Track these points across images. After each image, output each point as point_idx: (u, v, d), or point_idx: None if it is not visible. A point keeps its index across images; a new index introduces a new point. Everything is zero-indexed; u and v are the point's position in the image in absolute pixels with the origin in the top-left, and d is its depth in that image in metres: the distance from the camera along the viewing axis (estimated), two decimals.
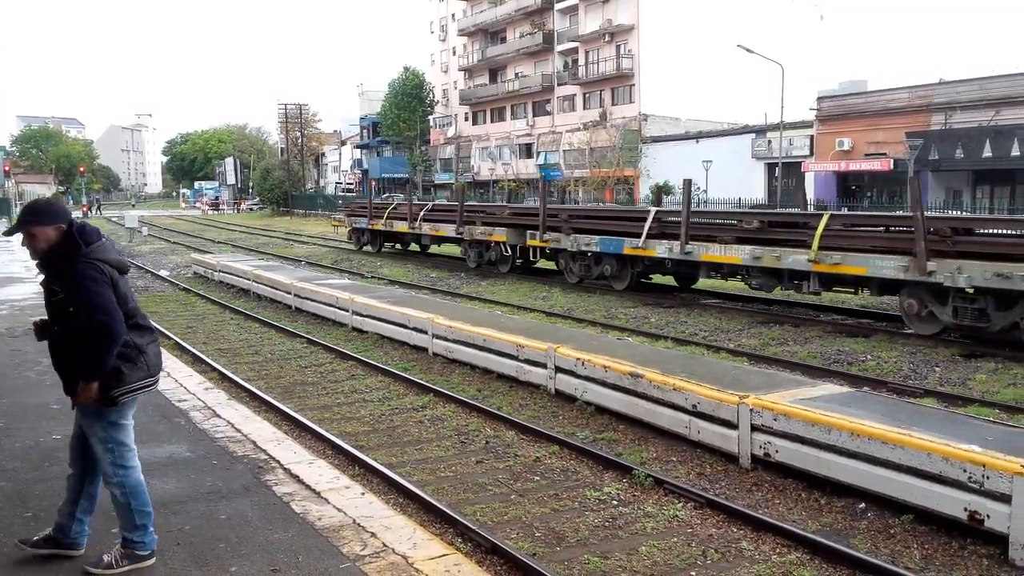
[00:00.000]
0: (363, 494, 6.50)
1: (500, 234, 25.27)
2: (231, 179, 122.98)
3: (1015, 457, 6.45)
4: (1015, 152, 34.09)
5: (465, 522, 6.97)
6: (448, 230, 28.14)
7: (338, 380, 12.70)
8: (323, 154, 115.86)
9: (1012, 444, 6.87)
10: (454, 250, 30.91)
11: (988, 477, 6.43)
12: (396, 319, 15.20)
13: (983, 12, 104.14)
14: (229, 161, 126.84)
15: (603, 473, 8.41)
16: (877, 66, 70.72)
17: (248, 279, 22.88)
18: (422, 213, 30.08)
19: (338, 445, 9.16)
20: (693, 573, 6.28)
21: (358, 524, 5.80)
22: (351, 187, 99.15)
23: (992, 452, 6.60)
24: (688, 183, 19.84)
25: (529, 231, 24.02)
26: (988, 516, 6.41)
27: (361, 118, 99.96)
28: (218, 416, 8.65)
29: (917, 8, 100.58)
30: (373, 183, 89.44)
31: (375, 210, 34.22)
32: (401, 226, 31.38)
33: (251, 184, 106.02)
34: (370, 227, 34.09)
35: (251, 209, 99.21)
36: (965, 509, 6.56)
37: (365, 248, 35.52)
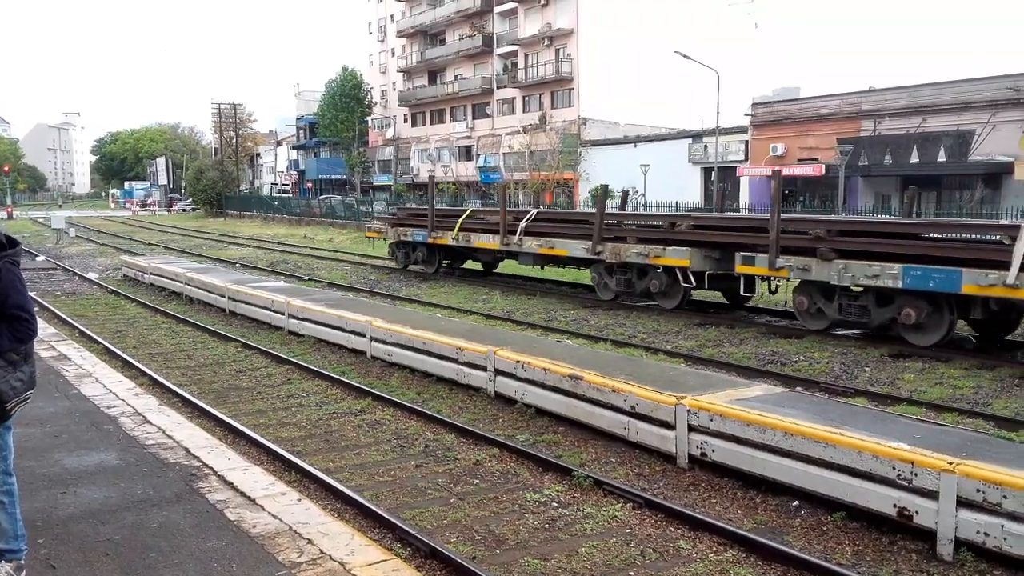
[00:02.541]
0: (299, 500, 6.39)
1: (676, 256, 17.77)
2: (163, 179, 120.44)
3: (942, 454, 6.65)
4: (941, 158, 35.25)
5: (404, 527, 6.90)
6: (572, 248, 20.62)
7: (274, 385, 12.49)
8: (258, 154, 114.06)
9: (939, 442, 7.08)
10: (568, 275, 24.56)
11: (916, 474, 6.61)
12: (334, 322, 15.02)
13: (912, 22, 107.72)
14: (161, 161, 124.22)
15: (543, 475, 8.42)
16: (810, 73, 72.71)
17: (181, 282, 22.38)
18: (523, 224, 22.30)
19: (274, 451, 9.00)
20: (632, 573, 6.32)
21: (294, 531, 5.70)
22: (287, 188, 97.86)
23: (920, 450, 6.79)
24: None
25: (742, 253, 16.74)
26: (917, 512, 6.59)
27: (298, 118, 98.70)
28: (149, 422, 8.43)
29: (849, 18, 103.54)
30: (310, 184, 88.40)
31: (440, 219, 25.95)
32: (486, 241, 23.58)
33: (183, 184, 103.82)
34: (431, 241, 25.70)
35: (184, 210, 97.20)
36: (895, 506, 6.73)
37: (415, 267, 27.56)
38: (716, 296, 19.61)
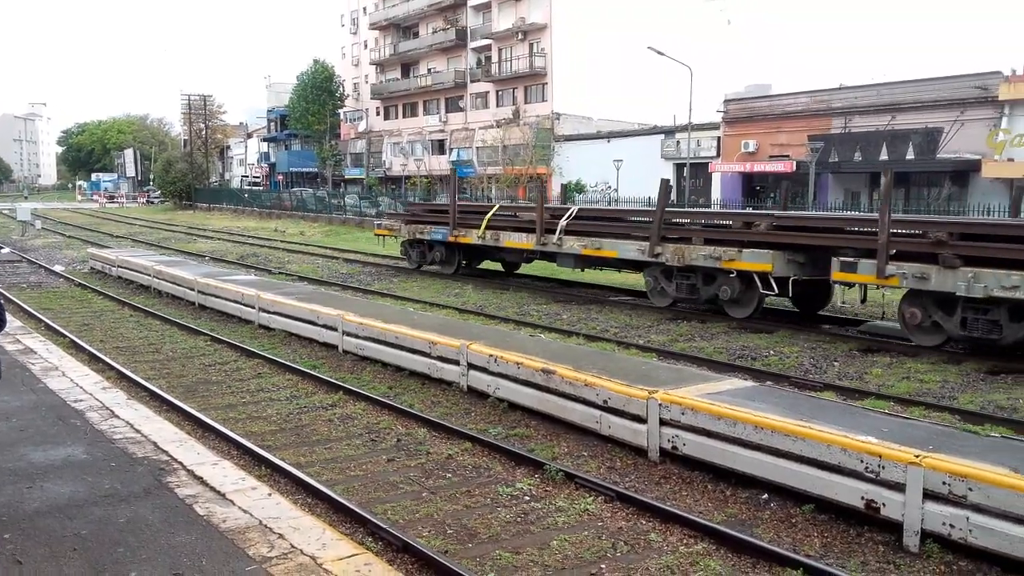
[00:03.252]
0: (270, 495, 6.35)
1: (755, 259, 15.79)
2: (131, 171, 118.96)
3: (909, 448, 6.74)
4: (909, 155, 35.68)
5: (376, 521, 6.88)
6: (624, 249, 18.44)
7: (244, 379, 12.39)
8: (228, 147, 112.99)
9: (906, 435, 7.18)
10: (609, 277, 22.97)
11: (884, 467, 6.69)
12: (305, 316, 14.92)
13: (885, 18, 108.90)
14: (129, 152, 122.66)
15: (515, 469, 8.43)
16: (782, 70, 73.16)
17: (149, 275, 22.12)
18: (564, 222, 20.12)
19: (244, 445, 8.93)
20: (603, 566, 6.35)
21: (265, 525, 5.66)
22: (258, 181, 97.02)
23: (887, 443, 6.88)
24: None
25: (840, 258, 14.67)
26: (884, 504, 6.68)
27: (268, 111, 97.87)
28: (116, 417, 8.33)
29: (822, 14, 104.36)
30: (281, 177, 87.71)
31: (463, 216, 23.81)
32: (517, 240, 21.47)
33: (152, 176, 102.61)
34: (453, 239, 23.53)
35: (152, 202, 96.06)
36: (862, 498, 6.82)
37: (431, 267, 25.66)
38: (783, 303, 17.76)
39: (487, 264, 25.28)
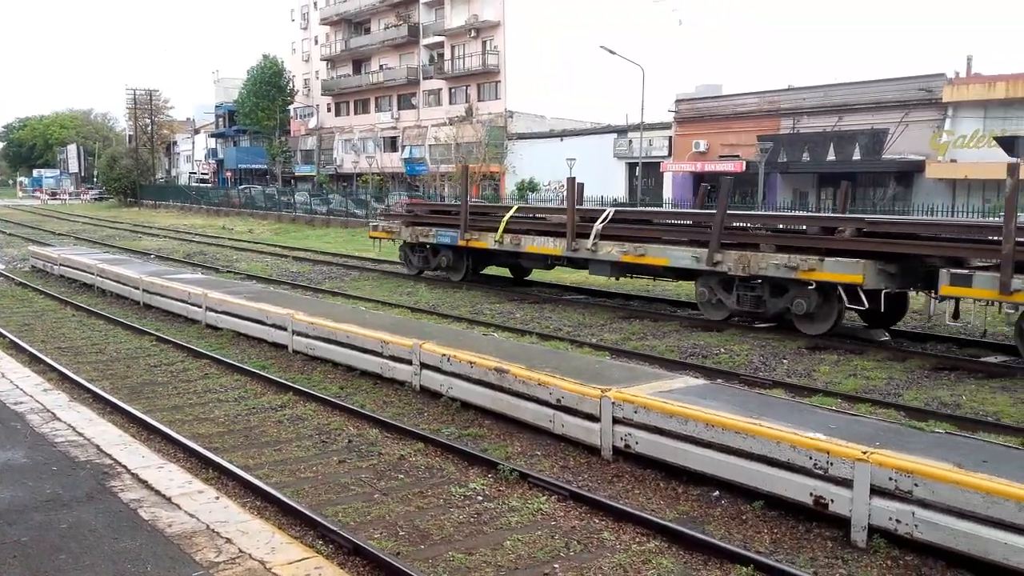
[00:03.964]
0: (217, 498, 6.22)
1: (841, 270, 13.87)
2: (74, 167, 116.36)
3: (856, 444, 6.85)
4: (856, 156, 36.40)
5: (326, 523, 6.79)
6: (675, 256, 16.50)
7: (190, 380, 12.17)
8: (175, 143, 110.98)
9: (853, 432, 7.30)
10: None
11: (832, 463, 6.79)
12: (254, 315, 14.70)
13: (831, 22, 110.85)
14: (72, 148, 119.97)
15: (468, 469, 8.39)
16: (732, 71, 74.05)
17: (93, 273, 21.61)
18: (599, 226, 18.00)
19: (190, 448, 8.77)
20: (556, 565, 6.34)
21: (212, 530, 5.54)
22: (206, 177, 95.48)
23: (835, 440, 6.98)
24: None
25: (953, 270, 12.86)
26: (832, 500, 6.77)
27: (217, 106, 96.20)
28: (58, 419, 8.10)
29: (770, 17, 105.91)
30: (229, 174, 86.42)
31: (476, 218, 21.71)
32: (542, 245, 19.42)
33: (96, 173, 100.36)
34: (465, 243, 21.35)
35: (96, 199, 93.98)
36: (811, 494, 6.91)
37: (433, 273, 23.46)
38: (851, 317, 15.75)
39: (491, 270, 23.31)
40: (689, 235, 16.96)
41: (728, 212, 16.46)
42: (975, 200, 31.64)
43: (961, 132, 34.12)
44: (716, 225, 15.82)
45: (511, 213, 20.85)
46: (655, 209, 23.13)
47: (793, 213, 22.41)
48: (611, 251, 17.74)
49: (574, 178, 19.92)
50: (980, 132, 33.30)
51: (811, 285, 14.36)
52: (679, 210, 23.93)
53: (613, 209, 19.03)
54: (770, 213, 23.75)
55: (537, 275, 22.69)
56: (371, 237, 25.59)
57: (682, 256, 16.38)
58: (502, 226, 20.33)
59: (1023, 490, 5.86)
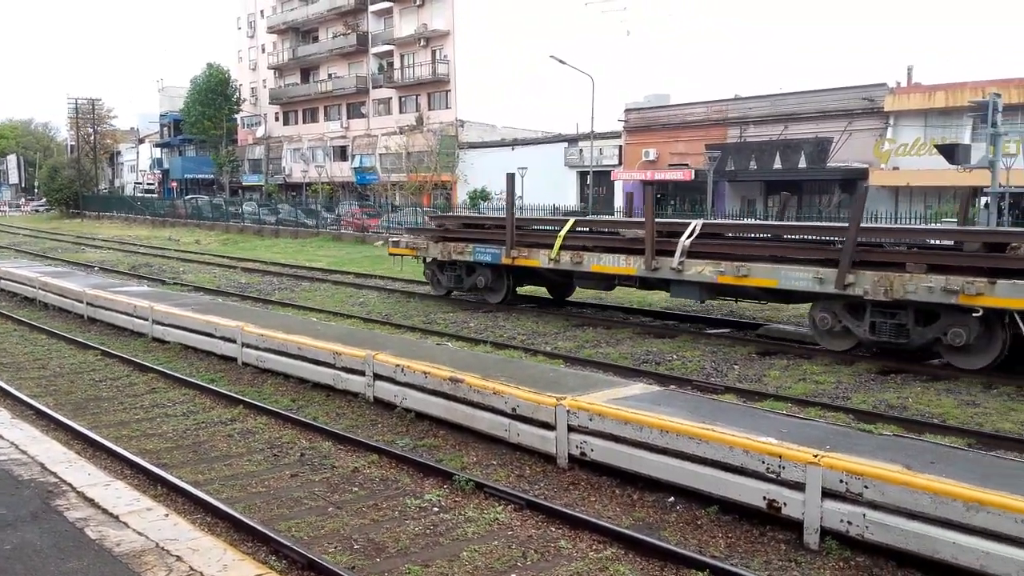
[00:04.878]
0: (167, 516, 6.08)
1: (1018, 295, 11.83)
2: (14, 178, 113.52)
3: (807, 448, 6.95)
4: (802, 164, 37.08)
5: (279, 539, 6.68)
6: (788, 277, 14.20)
7: (137, 394, 11.90)
8: (119, 152, 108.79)
9: (804, 435, 7.41)
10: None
11: (784, 467, 6.87)
12: (202, 328, 14.44)
13: (775, 33, 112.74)
14: (12, 159, 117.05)
15: (423, 480, 8.33)
16: (680, 80, 74.89)
17: (34, 287, 21.05)
18: (686, 241, 15.70)
19: (138, 464, 8.58)
20: (514, 575, 6.31)
21: (162, 548, 5.41)
22: (151, 188, 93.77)
23: (787, 444, 7.07)
24: None
25: None
26: (785, 504, 6.85)
27: (161, 115, 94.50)
28: (0, 437, 7.85)
29: (717, 26, 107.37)
30: (175, 184, 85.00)
31: (524, 234, 19.22)
32: (611, 264, 16.94)
33: (37, 184, 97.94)
34: (511, 262, 18.77)
35: (37, 211, 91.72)
36: (764, 498, 6.99)
37: (466, 295, 20.83)
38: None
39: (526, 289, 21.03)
40: (806, 252, 14.69)
41: (862, 227, 14.19)
42: (917, 207, 32.44)
43: (903, 140, 34.98)
44: (849, 241, 13.40)
45: (568, 227, 18.32)
46: (754, 223, 19.89)
47: (946, 227, 17.91)
48: (703, 271, 15.28)
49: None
50: (921, 140, 34.18)
51: (976, 312, 12.16)
52: (794, 224, 20.93)
53: (701, 222, 16.59)
54: (915, 227, 20.04)
55: (579, 295, 20.72)
56: (392, 254, 22.88)
57: (799, 277, 14.04)
58: (558, 242, 17.85)
59: (970, 490, 5.99)
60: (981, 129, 23.57)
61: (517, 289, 20.35)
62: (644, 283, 17.15)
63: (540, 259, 18.22)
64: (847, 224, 14.28)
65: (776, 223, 19.33)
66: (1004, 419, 10.15)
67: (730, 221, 24.58)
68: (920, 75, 38.56)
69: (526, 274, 19.64)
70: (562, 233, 18.03)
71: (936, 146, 25.58)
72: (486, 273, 19.68)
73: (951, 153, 21.91)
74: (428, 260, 21.32)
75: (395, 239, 22.91)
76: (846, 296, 13.46)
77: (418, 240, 21.55)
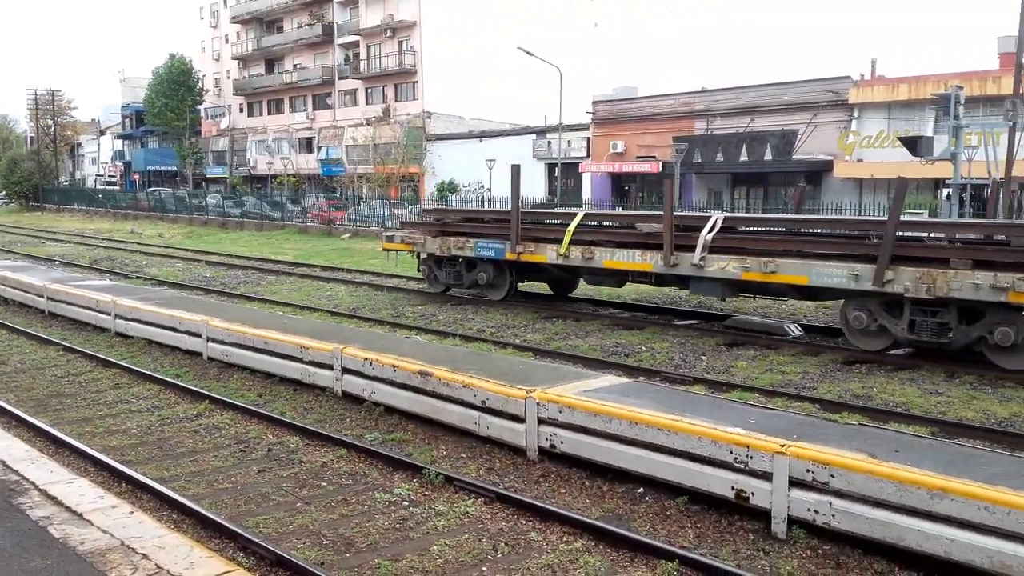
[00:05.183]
0: (132, 513, 5.99)
1: None
2: None
3: (775, 438, 7.01)
4: (767, 156, 37.42)
5: (247, 535, 6.62)
6: (819, 273, 13.48)
7: (100, 390, 11.73)
8: (80, 144, 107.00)
9: (772, 425, 7.47)
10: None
11: (752, 457, 6.93)
12: (166, 322, 14.25)
13: (749, 29, 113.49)
14: None
15: (393, 474, 8.29)
16: (648, 73, 75.21)
17: None
18: (708, 236, 14.88)
19: (102, 461, 8.45)
20: (485, 568, 6.31)
21: (127, 546, 5.33)
22: (113, 180, 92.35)
23: (754, 434, 7.13)
24: None
25: None
26: (753, 494, 6.91)
27: (123, 106, 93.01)
28: None
29: (686, 20, 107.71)
30: (137, 176, 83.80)
31: (529, 227, 18.29)
32: (626, 260, 16.10)
33: None
34: (514, 256, 17.92)
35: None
36: (732, 488, 7.04)
37: (464, 291, 20.05)
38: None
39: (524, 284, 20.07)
40: (839, 247, 13.89)
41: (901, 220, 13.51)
42: (881, 198, 32.87)
43: (867, 132, 35.42)
44: (888, 236, 12.82)
45: (577, 221, 17.29)
46: (780, 216, 19.48)
47: (988, 221, 16.78)
48: (726, 267, 14.53)
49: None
50: (884, 132, 34.63)
51: None
52: (814, 216, 19.71)
53: (722, 215, 15.80)
54: (958, 221, 18.83)
55: (581, 290, 20.22)
56: (385, 249, 21.56)
57: (832, 273, 13.32)
58: (568, 236, 16.92)
59: (934, 478, 6.08)
60: (943, 121, 23.92)
61: (518, 285, 19.54)
62: (660, 280, 16.50)
63: (548, 255, 17.36)
64: (885, 218, 13.72)
65: (806, 216, 18.57)
66: (966, 407, 10.32)
67: (754, 215, 23.39)
68: (884, 68, 39.07)
69: (529, 270, 18.94)
70: (571, 227, 17.08)
71: (899, 138, 25.91)
72: (488, 269, 18.84)
73: (914, 145, 22.20)
74: (425, 255, 20.38)
75: (389, 234, 21.68)
76: (883, 293, 12.81)
77: (414, 234, 20.42)
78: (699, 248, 14.76)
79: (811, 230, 15.34)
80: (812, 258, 13.83)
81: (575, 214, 18.04)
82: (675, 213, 15.85)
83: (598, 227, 17.85)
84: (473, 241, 18.85)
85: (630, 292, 19.16)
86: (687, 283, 15.80)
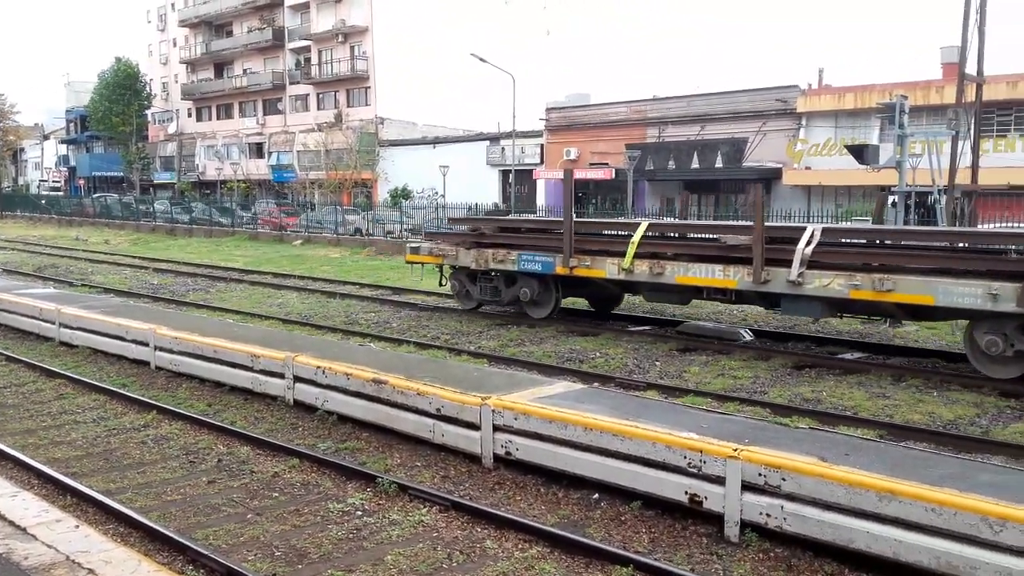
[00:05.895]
0: (77, 527, 5.86)
1: None
2: None
3: (727, 442, 7.08)
4: (718, 164, 37.95)
5: (196, 547, 6.49)
6: (949, 292, 11.78)
7: (44, 401, 11.43)
8: (23, 149, 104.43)
9: (724, 430, 7.55)
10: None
11: (705, 462, 6.99)
12: (112, 331, 13.95)
13: (693, 33, 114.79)
14: None
15: (346, 484, 8.20)
16: (600, 80, 75.81)
17: None
18: (806, 248, 13.27)
19: (46, 473, 8.24)
20: None
21: (73, 560, 5.21)
22: (57, 185, 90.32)
23: (708, 438, 7.20)
24: None
25: None
26: (706, 498, 6.97)
27: (68, 111, 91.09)
28: None
29: (637, 26, 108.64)
30: (82, 182, 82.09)
31: (583, 238, 16.50)
32: (706, 276, 14.37)
33: None
34: (568, 272, 16.09)
35: None
36: (686, 492, 7.09)
37: (500, 308, 18.19)
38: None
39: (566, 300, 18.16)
40: (970, 263, 12.32)
41: (863, 228, 12.67)
42: (828, 205, 33.53)
43: (815, 141, 36.12)
44: None
45: (641, 231, 15.44)
46: (893, 228, 17.13)
47: None
48: (830, 284, 12.79)
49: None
50: (832, 141, 35.35)
51: None
52: (934, 228, 17.87)
53: (820, 227, 14.23)
54: None
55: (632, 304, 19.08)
56: (409, 262, 19.35)
57: (964, 292, 11.61)
58: (632, 249, 15.14)
59: (882, 481, 6.19)
60: (889, 130, 24.48)
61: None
62: (741, 297, 14.75)
63: (607, 269, 15.56)
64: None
65: (932, 229, 16.54)
66: (913, 410, 10.54)
67: (860, 226, 20.42)
68: (832, 76, 40.03)
69: (576, 284, 17.16)
70: (636, 239, 15.28)
71: (846, 146, 26.45)
72: (531, 284, 17.01)
73: (860, 153, 22.63)
74: (455, 269, 18.49)
75: (414, 245, 19.61)
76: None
77: (444, 246, 18.44)
78: (796, 262, 13.10)
79: (930, 243, 13.55)
80: (932, 274, 12.24)
81: (636, 224, 16.10)
82: (764, 224, 14.08)
83: (668, 239, 16.11)
84: (515, 254, 17.02)
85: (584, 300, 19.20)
86: (776, 301, 14.16)
